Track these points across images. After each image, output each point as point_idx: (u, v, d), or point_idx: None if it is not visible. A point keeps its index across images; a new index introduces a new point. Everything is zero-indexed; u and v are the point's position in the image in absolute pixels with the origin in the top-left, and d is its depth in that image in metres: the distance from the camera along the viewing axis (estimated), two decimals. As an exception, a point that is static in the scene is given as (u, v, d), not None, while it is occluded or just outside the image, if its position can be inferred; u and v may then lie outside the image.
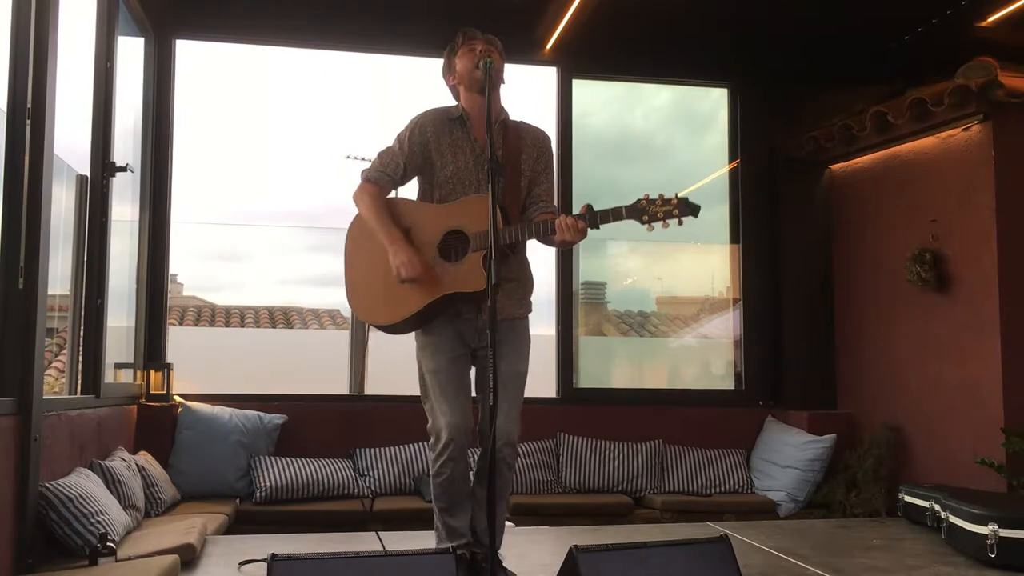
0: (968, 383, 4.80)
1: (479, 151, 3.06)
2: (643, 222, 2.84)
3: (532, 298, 3.18)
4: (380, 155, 3.13)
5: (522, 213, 3.09)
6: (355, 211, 3.14)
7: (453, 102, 3.18)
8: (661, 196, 2.84)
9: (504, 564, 2.95)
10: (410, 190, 3.26)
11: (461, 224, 2.97)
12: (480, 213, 2.86)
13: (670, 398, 5.95)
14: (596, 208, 2.87)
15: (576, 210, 2.91)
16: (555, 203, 3.20)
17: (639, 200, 2.85)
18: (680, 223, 2.85)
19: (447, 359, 3.00)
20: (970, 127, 4.84)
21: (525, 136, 3.14)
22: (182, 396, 5.17)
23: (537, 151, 3.15)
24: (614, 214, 2.85)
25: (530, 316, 3.17)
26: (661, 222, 2.83)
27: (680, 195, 2.85)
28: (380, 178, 3.08)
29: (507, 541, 3.09)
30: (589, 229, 2.86)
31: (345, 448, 5.21)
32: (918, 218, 5.17)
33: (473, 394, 3.08)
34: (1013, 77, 4.52)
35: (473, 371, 3.12)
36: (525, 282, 3.14)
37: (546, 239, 2.97)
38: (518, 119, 3.17)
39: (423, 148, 3.08)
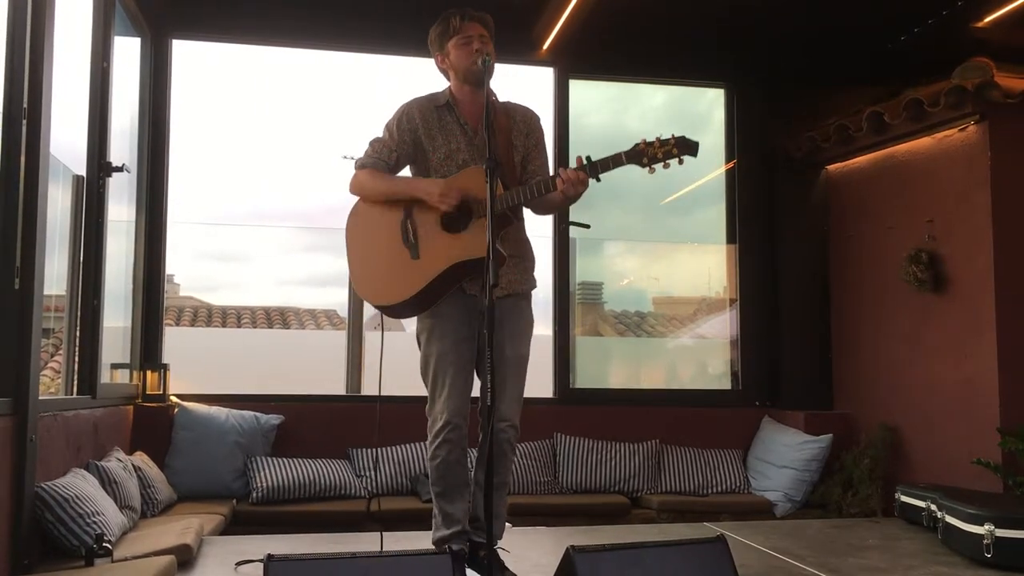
0: (964, 383, 4.81)
1: (470, 133, 3.06)
2: (643, 165, 2.82)
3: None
4: (372, 143, 3.12)
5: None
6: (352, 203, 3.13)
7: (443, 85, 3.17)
8: (658, 138, 2.82)
9: (506, 564, 2.95)
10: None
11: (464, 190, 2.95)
12: (479, 182, 2.84)
13: (667, 398, 5.95)
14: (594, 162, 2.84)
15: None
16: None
17: (637, 144, 2.83)
18: (680, 162, 2.82)
19: (451, 342, 2.99)
20: (966, 127, 4.85)
21: (514, 114, 3.14)
22: (179, 396, 5.16)
23: (527, 127, 3.15)
24: (614, 161, 2.83)
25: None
26: (662, 163, 2.81)
27: (677, 134, 2.83)
28: (376, 164, 3.08)
29: (504, 541, 3.08)
30: (591, 180, 2.84)
31: (342, 448, 5.21)
32: (914, 218, 5.18)
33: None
34: (1009, 78, 4.53)
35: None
36: (525, 258, 3.13)
37: (546, 201, 2.96)
38: (505, 99, 3.16)
39: (413, 135, 3.08)
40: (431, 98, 3.13)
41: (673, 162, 2.82)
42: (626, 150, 2.83)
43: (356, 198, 3.12)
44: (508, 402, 2.90)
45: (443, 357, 2.98)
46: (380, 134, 3.13)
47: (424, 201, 2.96)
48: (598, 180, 2.85)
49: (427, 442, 3.02)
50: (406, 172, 3.19)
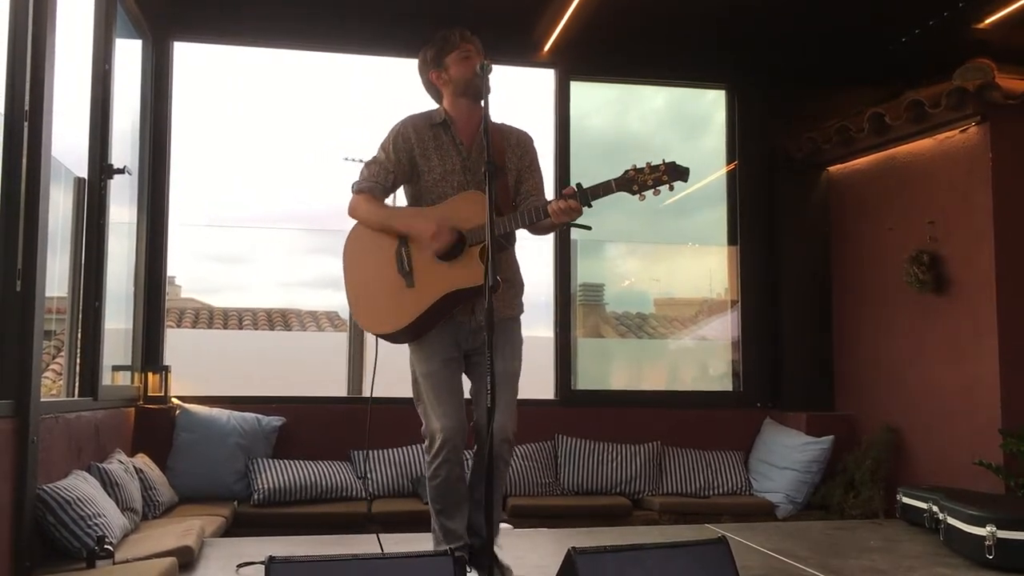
0: (966, 385, 4.80)
1: (465, 154, 3.07)
2: (633, 192, 2.82)
3: (530, 300, 3.19)
4: (367, 165, 3.13)
5: (514, 211, 3.09)
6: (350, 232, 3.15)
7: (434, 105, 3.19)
8: (648, 164, 2.82)
9: (501, 559, 2.95)
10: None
11: (455, 223, 2.97)
12: (472, 209, 2.88)
13: (668, 400, 5.95)
14: (586, 186, 2.85)
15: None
16: (545, 197, 3.17)
17: (627, 171, 2.83)
18: (671, 188, 2.82)
19: (440, 362, 3.00)
20: (967, 129, 4.85)
21: (508, 136, 3.15)
22: (180, 398, 5.16)
23: (521, 149, 3.16)
24: (604, 189, 2.83)
25: (525, 318, 3.17)
26: (652, 190, 2.81)
27: (667, 160, 2.82)
28: (372, 188, 3.09)
29: (505, 543, 3.09)
30: (583, 207, 2.84)
31: (343, 450, 5.21)
32: (916, 219, 5.18)
33: (467, 395, 3.09)
34: (1010, 79, 4.53)
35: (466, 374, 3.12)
36: (515, 283, 3.15)
37: (540, 225, 2.97)
38: (499, 121, 3.16)
39: (408, 155, 3.09)
40: (426, 116, 3.14)
41: (664, 189, 2.82)
42: (616, 177, 2.84)
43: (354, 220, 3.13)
44: (501, 418, 2.90)
45: (433, 377, 3.00)
46: (376, 154, 3.14)
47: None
48: (589, 206, 2.85)
49: (425, 461, 3.03)
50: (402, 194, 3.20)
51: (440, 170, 3.07)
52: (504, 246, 3.03)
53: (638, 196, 2.82)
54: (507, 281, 3.05)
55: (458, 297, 2.95)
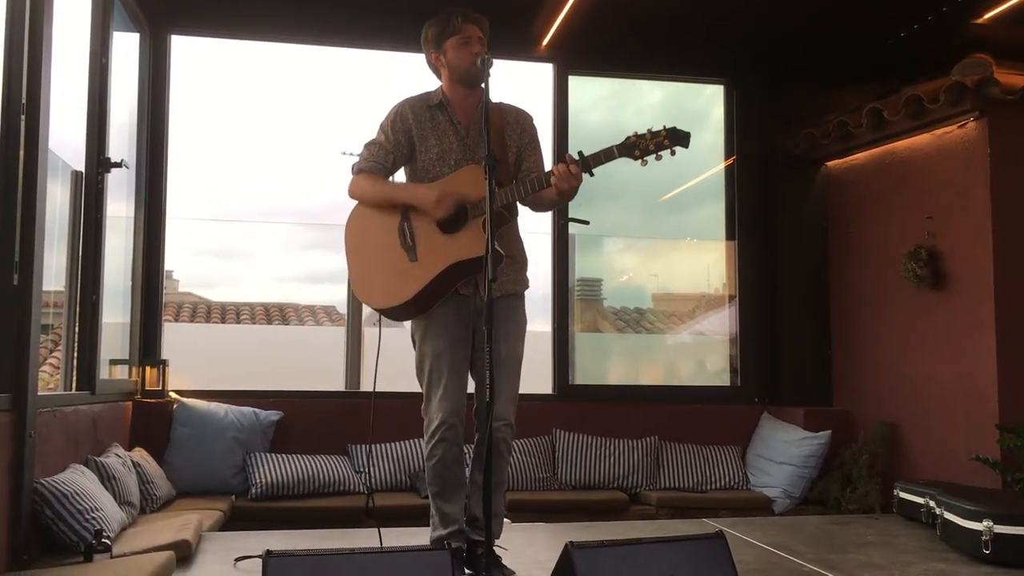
0: (963, 380, 4.81)
1: (463, 133, 3.08)
2: (635, 158, 2.84)
3: (528, 293, 3.18)
4: (367, 146, 3.14)
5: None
6: (352, 206, 3.14)
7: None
8: (649, 130, 2.84)
9: (503, 561, 2.94)
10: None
11: (457, 195, 2.97)
12: (475, 181, 2.88)
13: (666, 395, 5.95)
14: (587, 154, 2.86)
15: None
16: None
17: (628, 137, 2.86)
18: (673, 153, 2.85)
19: (445, 341, 3.00)
20: (965, 124, 4.85)
21: (507, 115, 3.16)
22: (178, 392, 5.16)
23: (520, 127, 3.17)
24: (606, 155, 2.85)
25: (527, 301, 3.17)
26: (654, 155, 2.84)
27: (668, 125, 2.84)
28: (372, 167, 3.10)
29: (503, 538, 3.08)
30: (584, 174, 2.86)
31: (341, 444, 5.21)
32: (914, 215, 5.18)
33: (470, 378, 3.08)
34: (1008, 74, 4.52)
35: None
36: (518, 259, 3.14)
37: (541, 200, 2.98)
38: (498, 100, 3.15)
39: (407, 136, 3.10)
40: (424, 97, 3.14)
41: (666, 154, 2.84)
42: (618, 143, 2.86)
43: (355, 201, 3.13)
44: (503, 401, 2.92)
45: (438, 356, 2.99)
46: (375, 136, 3.14)
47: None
48: (591, 174, 2.87)
49: (423, 442, 3.02)
50: (401, 174, 3.20)
51: (437, 150, 3.07)
52: (506, 218, 3.02)
53: (640, 161, 2.84)
54: (510, 256, 3.05)
55: (461, 269, 2.94)
